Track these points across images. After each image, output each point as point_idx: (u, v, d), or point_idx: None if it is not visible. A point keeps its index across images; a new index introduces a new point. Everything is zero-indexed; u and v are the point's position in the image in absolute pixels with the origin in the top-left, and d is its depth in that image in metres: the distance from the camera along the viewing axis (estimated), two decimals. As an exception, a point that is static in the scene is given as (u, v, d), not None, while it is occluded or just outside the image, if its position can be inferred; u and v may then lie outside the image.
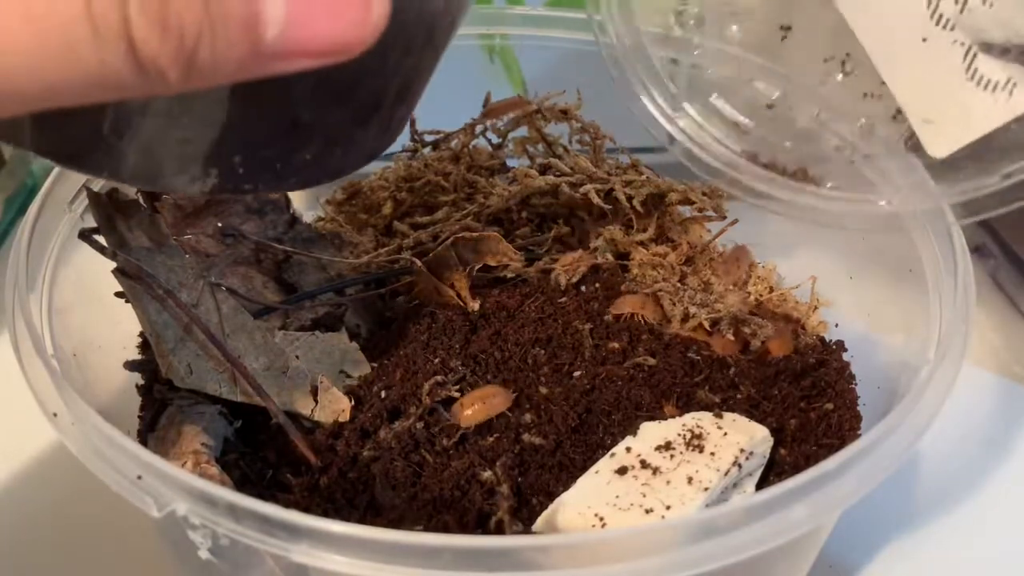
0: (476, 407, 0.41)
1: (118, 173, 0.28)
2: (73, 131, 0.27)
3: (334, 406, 0.41)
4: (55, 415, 0.34)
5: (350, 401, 0.42)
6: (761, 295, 0.49)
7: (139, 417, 0.43)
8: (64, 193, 0.42)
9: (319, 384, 0.41)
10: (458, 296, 0.46)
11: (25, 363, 0.35)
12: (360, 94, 0.30)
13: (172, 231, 0.44)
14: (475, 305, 0.46)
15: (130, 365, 0.45)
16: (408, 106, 0.34)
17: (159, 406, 0.42)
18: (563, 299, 0.47)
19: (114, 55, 0.21)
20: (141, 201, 0.43)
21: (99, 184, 0.42)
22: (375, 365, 0.44)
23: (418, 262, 0.46)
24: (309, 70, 0.24)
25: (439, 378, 0.42)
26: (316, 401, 0.41)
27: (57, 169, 0.42)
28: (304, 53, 0.23)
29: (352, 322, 0.46)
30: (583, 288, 0.49)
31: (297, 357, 0.42)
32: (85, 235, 0.41)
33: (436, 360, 0.43)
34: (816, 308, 0.50)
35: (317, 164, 0.31)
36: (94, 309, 0.43)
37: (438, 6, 0.30)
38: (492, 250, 0.46)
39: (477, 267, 0.47)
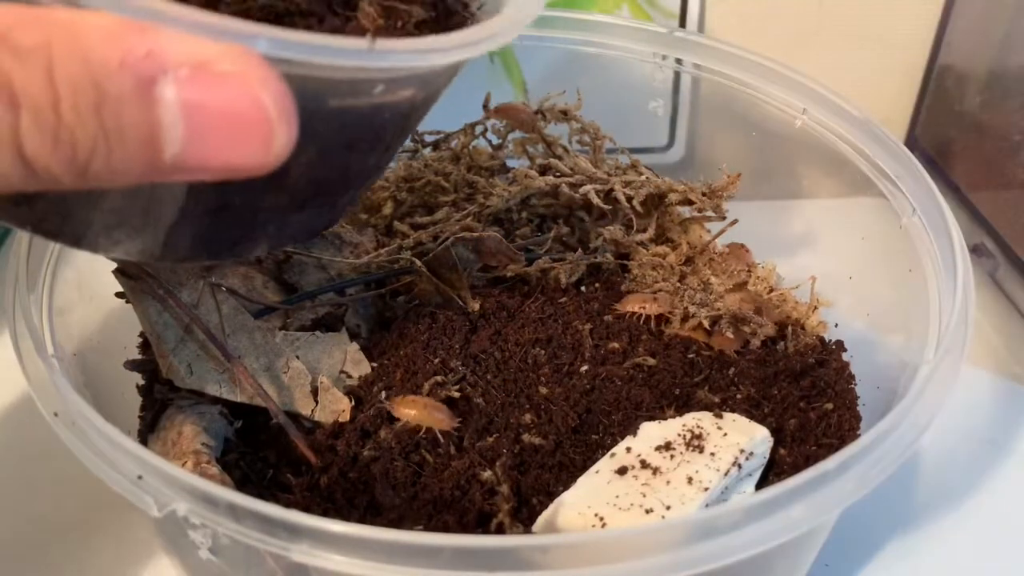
0: (414, 412, 0.41)
1: (71, 241, 0.30)
2: (13, 216, 0.28)
3: (334, 406, 0.41)
4: (55, 415, 0.34)
5: (350, 401, 0.42)
6: (761, 295, 0.49)
7: (139, 417, 0.43)
8: (64, 193, 0.42)
9: (319, 384, 0.41)
10: (458, 296, 0.46)
11: (25, 363, 0.35)
12: (293, 187, 0.30)
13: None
14: (475, 305, 0.46)
15: (130, 365, 0.45)
16: (360, 189, 0.34)
17: (159, 406, 0.42)
18: (563, 299, 0.47)
19: (3, 162, 0.22)
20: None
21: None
22: (375, 365, 0.44)
23: (418, 262, 0.46)
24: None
25: (439, 378, 0.42)
26: (316, 401, 0.41)
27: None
28: (204, 171, 0.23)
29: (352, 322, 0.46)
30: (583, 288, 0.49)
31: (297, 357, 0.42)
32: None
33: (436, 360, 0.43)
34: (816, 308, 0.50)
35: (250, 242, 0.32)
36: (94, 309, 0.43)
37: (385, 115, 0.30)
38: (492, 250, 0.46)
39: (477, 267, 0.47)
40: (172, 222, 0.29)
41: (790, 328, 0.48)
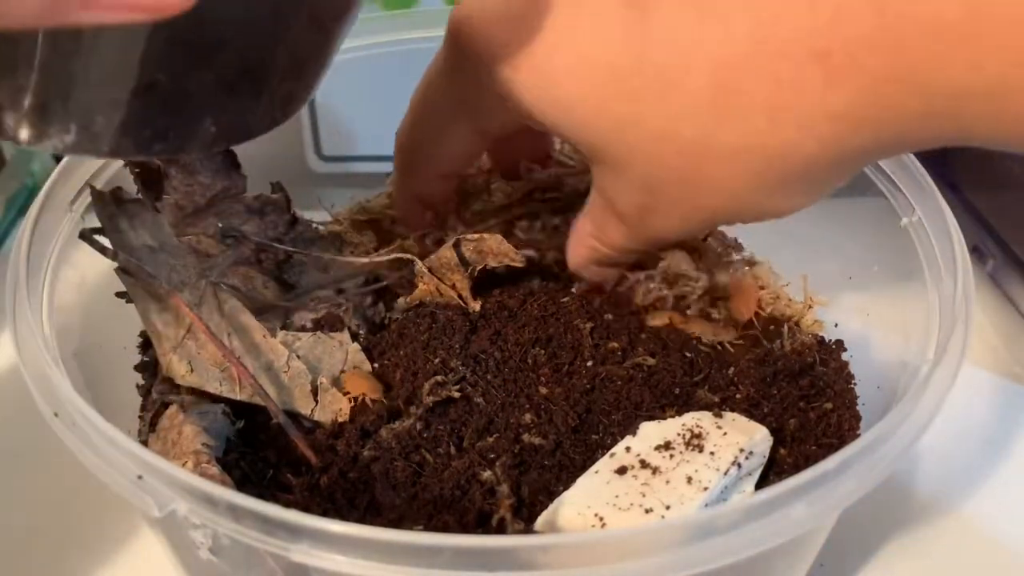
0: (350, 385, 0.42)
1: None
2: None
3: (334, 406, 0.41)
4: (55, 415, 0.34)
5: (350, 402, 0.42)
6: (699, 244, 0.48)
7: (139, 417, 0.43)
8: (65, 193, 0.42)
9: (319, 384, 0.41)
10: (459, 297, 0.46)
11: (25, 363, 0.35)
12: (223, 58, 0.29)
13: (172, 231, 0.44)
14: (476, 306, 0.46)
15: (137, 365, 0.45)
16: (297, 82, 0.32)
17: (159, 406, 0.42)
18: (564, 299, 0.47)
19: None
20: (142, 198, 0.43)
21: (103, 182, 0.42)
22: (375, 365, 0.44)
23: (419, 262, 0.46)
24: (153, 25, 0.22)
25: (439, 378, 0.42)
26: (316, 401, 0.41)
27: (58, 169, 0.43)
28: (112, 6, 0.22)
29: (352, 322, 0.46)
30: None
31: (298, 357, 0.42)
32: (86, 235, 0.41)
33: (436, 360, 0.43)
34: (811, 307, 0.49)
35: (184, 132, 0.30)
36: (94, 309, 0.43)
37: None
38: (494, 251, 0.46)
39: (479, 268, 0.47)
40: (95, 103, 0.28)
41: (786, 326, 0.48)
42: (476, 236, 0.46)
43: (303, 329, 0.45)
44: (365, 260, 0.48)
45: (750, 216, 0.38)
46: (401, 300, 0.47)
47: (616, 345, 0.45)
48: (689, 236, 0.41)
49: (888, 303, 0.48)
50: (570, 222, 0.51)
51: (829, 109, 0.31)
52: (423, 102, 0.43)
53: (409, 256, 0.47)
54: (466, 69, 0.39)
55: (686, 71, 0.33)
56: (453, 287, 0.46)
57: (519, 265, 0.47)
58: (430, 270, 0.46)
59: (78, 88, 0.27)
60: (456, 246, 0.46)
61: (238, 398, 0.41)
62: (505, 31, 0.36)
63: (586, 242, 0.43)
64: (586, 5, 0.35)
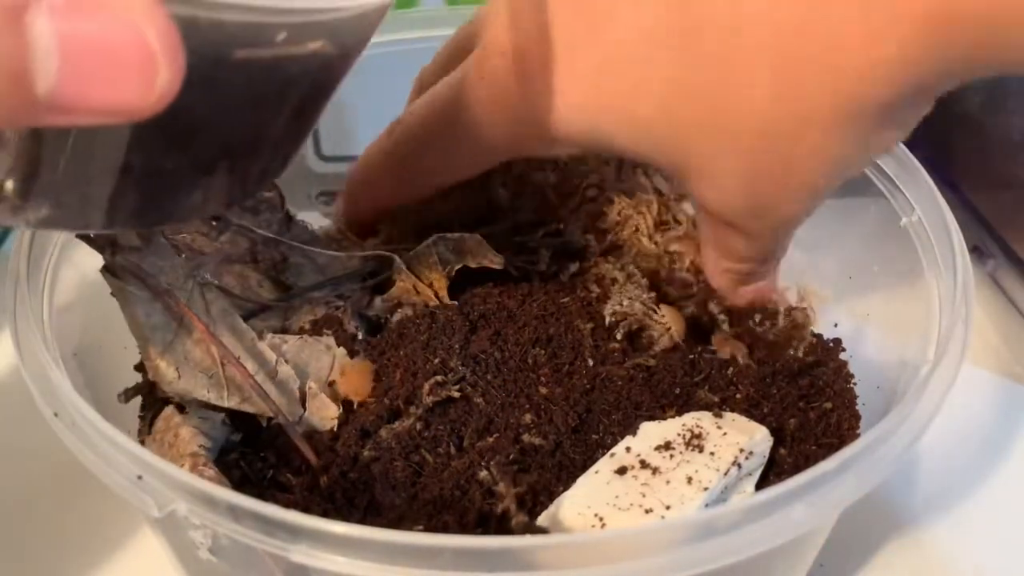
0: (342, 378, 0.42)
1: None
2: None
3: (322, 413, 0.41)
4: (55, 415, 0.34)
5: (339, 408, 0.41)
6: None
7: (139, 417, 0.43)
8: (64, 193, 0.42)
9: (307, 390, 0.41)
10: (436, 296, 0.46)
11: (25, 363, 0.35)
12: (199, 143, 0.29)
13: (166, 228, 0.43)
14: (452, 304, 0.46)
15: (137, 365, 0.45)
16: (273, 160, 0.33)
17: (160, 406, 0.42)
18: (565, 299, 0.47)
19: None
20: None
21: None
22: (375, 366, 0.44)
23: (398, 259, 0.46)
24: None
25: (439, 378, 0.42)
26: (304, 408, 0.41)
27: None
28: (84, 111, 0.22)
29: (351, 323, 0.45)
30: (561, 274, 0.49)
31: (286, 361, 0.42)
32: (83, 233, 0.41)
33: (436, 360, 0.43)
34: (808, 305, 0.49)
35: (157, 210, 0.31)
36: (94, 309, 0.43)
37: (292, 70, 0.29)
38: (473, 252, 0.46)
39: (457, 268, 0.46)
40: (68, 184, 0.28)
41: (781, 311, 0.47)
42: (455, 236, 0.46)
43: (303, 331, 0.44)
44: (345, 255, 0.47)
45: (861, 162, 0.37)
46: (378, 300, 0.47)
47: (616, 345, 0.45)
48: (812, 211, 0.38)
49: (888, 303, 0.48)
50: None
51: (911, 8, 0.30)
52: (434, 130, 0.43)
53: (389, 254, 0.46)
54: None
55: (738, 32, 0.32)
56: (431, 286, 0.46)
57: (497, 267, 0.46)
58: (408, 267, 0.46)
59: (51, 169, 0.27)
60: (435, 244, 0.45)
61: (226, 405, 0.40)
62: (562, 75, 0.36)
63: (721, 270, 0.42)
64: (615, 26, 0.34)
